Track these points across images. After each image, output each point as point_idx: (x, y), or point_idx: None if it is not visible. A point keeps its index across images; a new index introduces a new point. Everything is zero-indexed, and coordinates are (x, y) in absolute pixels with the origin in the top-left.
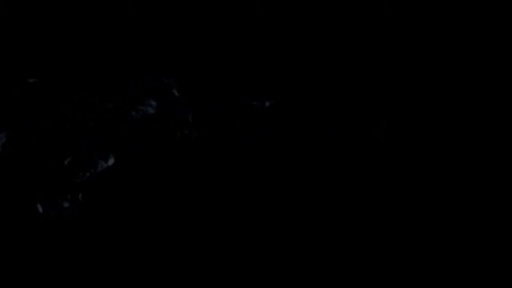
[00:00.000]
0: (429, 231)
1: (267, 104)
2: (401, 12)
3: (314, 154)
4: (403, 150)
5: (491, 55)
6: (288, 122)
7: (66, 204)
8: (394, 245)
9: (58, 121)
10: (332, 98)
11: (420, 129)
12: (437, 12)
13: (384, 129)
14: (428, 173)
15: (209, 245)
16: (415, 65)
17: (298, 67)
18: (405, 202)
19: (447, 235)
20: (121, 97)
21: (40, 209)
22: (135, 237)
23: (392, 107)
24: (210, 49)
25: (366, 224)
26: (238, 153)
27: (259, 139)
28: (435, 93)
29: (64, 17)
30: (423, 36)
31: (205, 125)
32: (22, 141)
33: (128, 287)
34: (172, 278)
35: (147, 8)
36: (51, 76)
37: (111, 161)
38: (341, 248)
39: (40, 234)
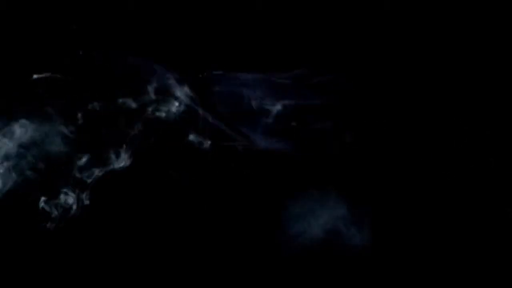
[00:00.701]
0: (429, 232)
1: (278, 106)
2: (401, 12)
3: (318, 157)
4: (402, 149)
5: (491, 55)
6: (298, 126)
7: (70, 203)
8: (392, 246)
9: (72, 119)
10: (332, 99)
11: (420, 129)
12: (437, 12)
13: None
14: (427, 173)
15: (215, 251)
16: (415, 65)
17: (300, 68)
18: (405, 200)
19: (447, 236)
20: (141, 95)
21: (42, 206)
22: (137, 239)
23: (392, 106)
24: (217, 50)
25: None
26: (248, 157)
27: (271, 144)
28: (436, 93)
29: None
30: (423, 36)
31: (215, 127)
32: (35, 137)
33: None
34: (172, 278)
35: (154, 8)
36: (66, 73)
37: (125, 162)
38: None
39: (40, 231)
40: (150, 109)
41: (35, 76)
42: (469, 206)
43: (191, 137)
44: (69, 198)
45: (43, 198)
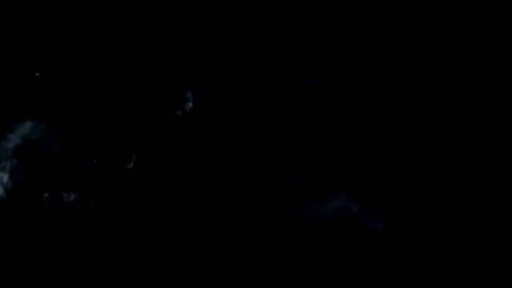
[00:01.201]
0: (430, 232)
1: (281, 110)
2: (401, 12)
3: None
4: (403, 150)
5: (491, 55)
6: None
7: (72, 199)
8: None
9: (74, 118)
10: (332, 101)
11: (421, 128)
12: (437, 13)
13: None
14: (428, 172)
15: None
16: (416, 65)
17: (304, 69)
18: (405, 199)
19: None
20: (143, 95)
21: (45, 201)
22: (139, 240)
23: (392, 106)
24: (217, 50)
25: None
26: (251, 160)
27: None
28: (437, 93)
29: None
30: (423, 36)
31: (222, 133)
32: (45, 134)
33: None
34: (171, 278)
35: (154, 8)
36: (67, 73)
37: (131, 163)
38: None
39: (40, 225)
40: (153, 109)
41: (36, 75)
42: (469, 205)
43: (198, 137)
44: (72, 197)
45: (46, 195)
